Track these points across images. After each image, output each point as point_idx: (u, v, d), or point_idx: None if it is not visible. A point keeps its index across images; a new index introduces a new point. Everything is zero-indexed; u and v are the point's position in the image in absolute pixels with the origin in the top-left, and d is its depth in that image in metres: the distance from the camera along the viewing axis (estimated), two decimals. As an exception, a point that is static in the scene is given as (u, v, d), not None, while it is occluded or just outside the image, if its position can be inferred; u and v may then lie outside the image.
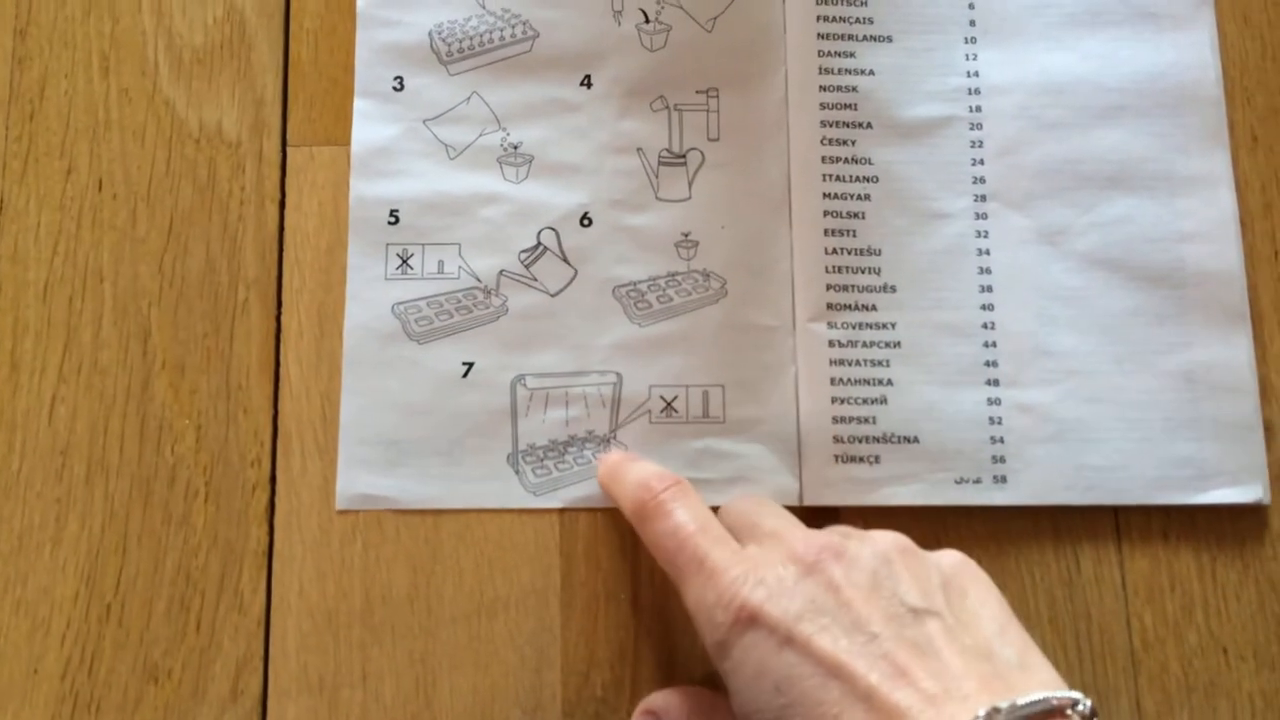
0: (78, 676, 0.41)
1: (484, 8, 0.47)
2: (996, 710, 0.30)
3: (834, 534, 0.36)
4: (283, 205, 0.45)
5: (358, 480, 0.43)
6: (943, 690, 0.31)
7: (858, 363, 0.45)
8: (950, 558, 0.36)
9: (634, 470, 0.41)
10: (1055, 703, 0.30)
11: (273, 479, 0.43)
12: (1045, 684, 0.32)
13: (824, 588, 0.34)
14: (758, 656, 0.33)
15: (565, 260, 0.46)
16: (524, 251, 0.46)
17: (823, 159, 0.46)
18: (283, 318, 0.44)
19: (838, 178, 0.46)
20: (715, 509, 0.40)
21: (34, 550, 0.42)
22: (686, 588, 0.36)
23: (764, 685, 0.33)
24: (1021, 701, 0.30)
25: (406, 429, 0.44)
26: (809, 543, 0.35)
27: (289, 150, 0.46)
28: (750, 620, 0.34)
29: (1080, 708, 0.31)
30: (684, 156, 0.47)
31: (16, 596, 0.42)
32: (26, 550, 0.42)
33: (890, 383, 0.45)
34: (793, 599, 0.34)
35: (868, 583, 0.34)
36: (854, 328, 0.45)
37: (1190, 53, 0.47)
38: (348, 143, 0.46)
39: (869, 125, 0.47)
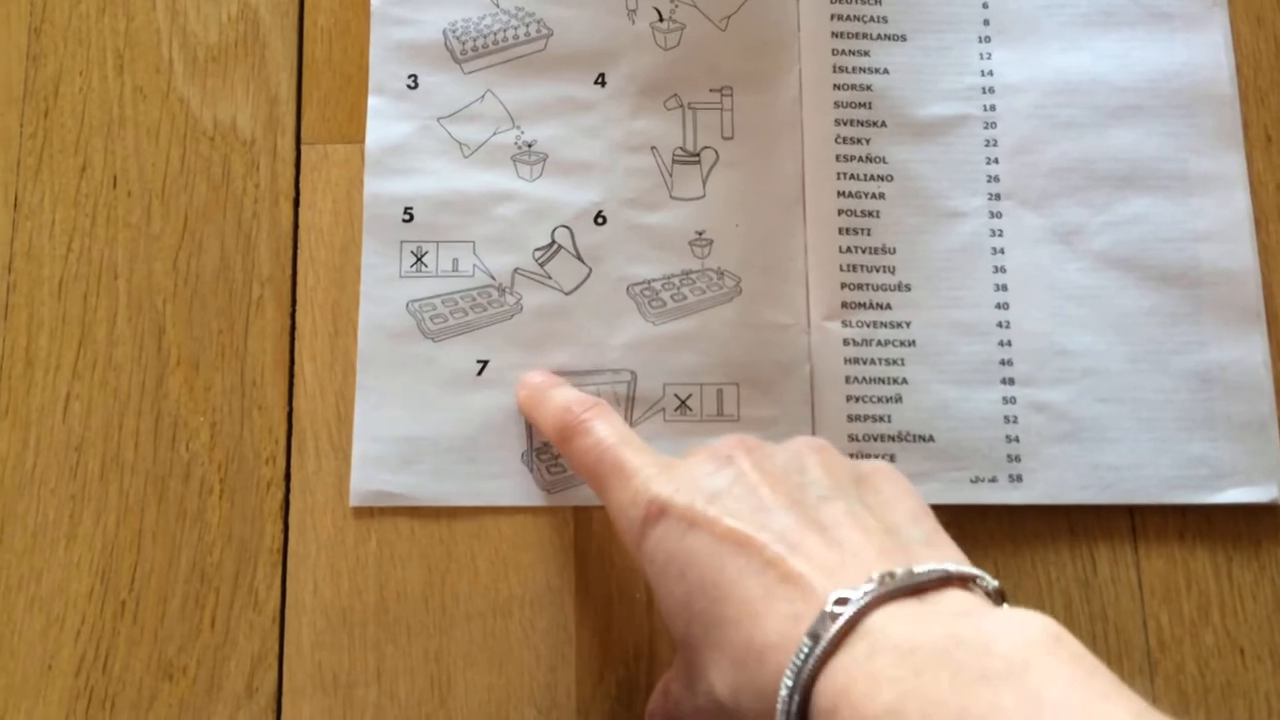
0: (92, 673, 0.41)
1: (498, 6, 0.47)
2: (891, 575, 0.29)
3: (753, 437, 0.36)
4: (297, 203, 0.45)
5: (372, 477, 0.43)
6: (839, 560, 0.30)
7: (872, 361, 0.44)
8: (872, 463, 0.36)
9: (555, 395, 0.42)
10: (954, 571, 0.29)
11: (287, 476, 0.43)
12: (949, 559, 0.31)
13: (733, 477, 0.33)
14: (666, 546, 0.33)
15: (579, 258, 0.45)
16: (538, 250, 0.45)
17: (837, 157, 0.46)
18: (297, 315, 0.44)
19: (852, 176, 0.46)
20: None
21: (48, 546, 0.42)
22: (608, 495, 0.37)
23: (670, 572, 0.33)
24: (919, 569, 0.29)
25: (421, 427, 0.44)
26: (725, 441, 0.35)
27: (303, 148, 0.46)
28: (660, 512, 0.34)
29: (983, 583, 0.30)
30: (698, 155, 0.46)
31: (31, 593, 0.41)
32: (41, 546, 0.42)
33: (905, 381, 0.44)
34: (701, 489, 0.33)
35: (777, 472, 0.34)
36: (869, 326, 0.45)
37: (1204, 53, 0.47)
38: (362, 140, 0.46)
39: (883, 124, 0.46)
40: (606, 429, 0.38)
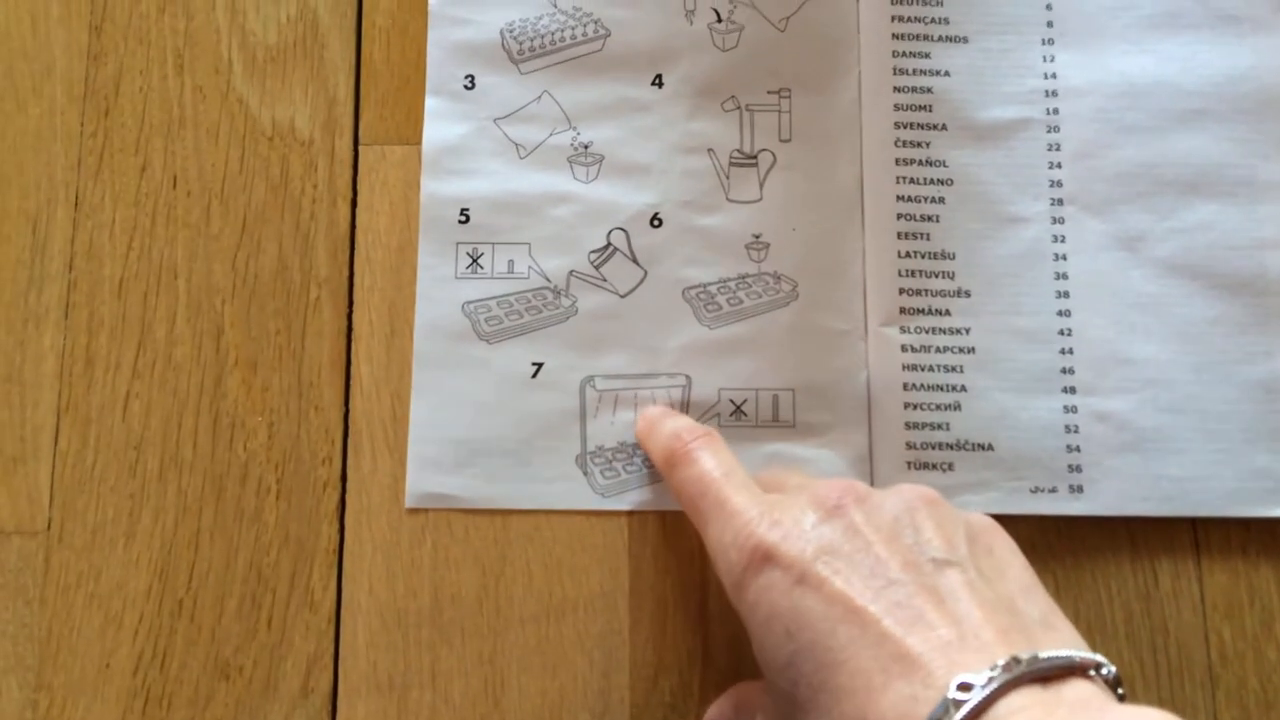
0: (150, 671, 0.41)
1: (555, 6, 0.46)
2: (1016, 660, 0.28)
3: (859, 483, 0.35)
4: (354, 204, 0.45)
5: (427, 479, 0.43)
6: (959, 638, 0.29)
7: (931, 368, 0.43)
8: (979, 518, 0.34)
9: (668, 423, 0.40)
10: (1078, 660, 0.28)
11: (343, 477, 0.42)
12: (1069, 643, 0.30)
13: (843, 530, 0.32)
14: (770, 598, 0.32)
15: (635, 261, 0.45)
16: (594, 252, 0.45)
17: (896, 161, 0.45)
18: (354, 316, 0.44)
19: (911, 180, 0.45)
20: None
21: (107, 545, 0.42)
22: (707, 531, 0.35)
23: (775, 629, 0.31)
24: (1043, 654, 0.28)
25: (476, 428, 0.43)
26: (831, 487, 0.34)
27: (361, 149, 0.45)
28: (764, 559, 0.32)
29: (1104, 671, 0.29)
30: (755, 157, 0.46)
31: (90, 590, 0.41)
32: (100, 545, 0.42)
33: (964, 389, 0.43)
34: (809, 540, 0.32)
35: (889, 528, 0.32)
36: (927, 332, 0.44)
37: (1271, 56, 0.46)
38: (419, 142, 0.45)
39: (944, 127, 0.45)
40: (712, 461, 0.37)
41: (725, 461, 0.37)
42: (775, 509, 0.34)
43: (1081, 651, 0.29)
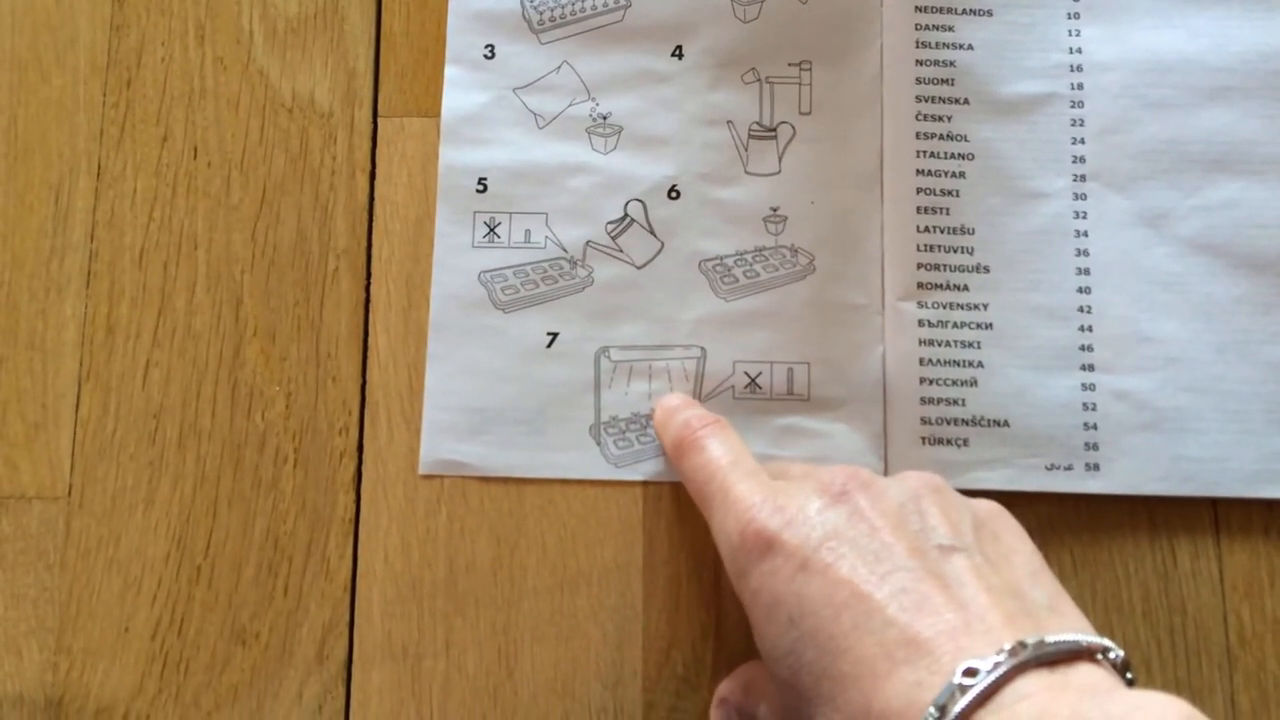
0: (167, 636, 0.40)
1: (576, -22, 0.45)
2: (1022, 645, 0.27)
3: (864, 469, 0.33)
4: (373, 176, 0.44)
5: (440, 446, 0.42)
6: (964, 623, 0.28)
7: (948, 344, 0.42)
8: (985, 503, 0.33)
9: (681, 413, 0.40)
10: (1085, 644, 0.27)
11: (360, 447, 0.42)
12: (1075, 627, 0.29)
13: (848, 515, 0.31)
14: (773, 585, 0.31)
15: (652, 232, 0.44)
16: (611, 223, 0.44)
17: (917, 135, 0.43)
18: (372, 287, 0.43)
19: (932, 154, 0.43)
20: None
21: (127, 511, 0.41)
22: (712, 517, 0.35)
23: (778, 615, 0.30)
24: (1049, 639, 0.27)
25: (490, 397, 0.42)
26: (836, 473, 0.33)
27: (380, 121, 0.44)
28: (767, 546, 0.31)
29: (1112, 655, 0.28)
30: (774, 130, 0.44)
31: (109, 555, 0.41)
32: (120, 511, 0.41)
33: (981, 365, 0.42)
34: (814, 526, 0.31)
35: (895, 514, 0.31)
36: (945, 308, 0.42)
37: (1303, 32, 0.44)
38: (438, 114, 0.44)
39: (966, 101, 0.44)
40: (720, 448, 0.36)
41: (733, 449, 0.36)
42: (779, 495, 0.33)
43: (1088, 636, 0.28)
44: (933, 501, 0.32)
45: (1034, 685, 0.26)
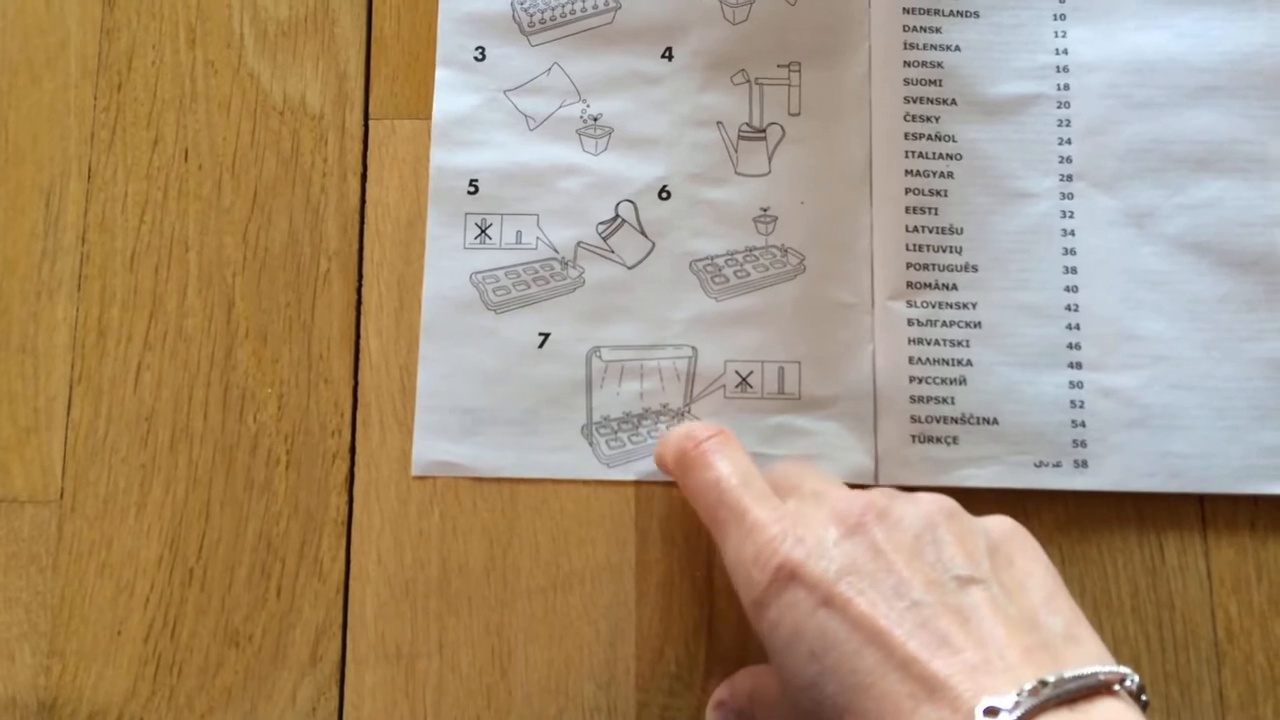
0: (160, 639, 0.40)
1: (565, -20, 0.45)
2: (1043, 683, 0.27)
3: (879, 495, 0.33)
4: (364, 178, 0.43)
5: (433, 447, 0.41)
6: (984, 660, 0.28)
7: (937, 342, 0.42)
8: (999, 524, 0.33)
9: (680, 426, 0.39)
10: (1103, 677, 0.28)
11: (352, 449, 0.41)
12: (1093, 657, 0.29)
13: (866, 549, 0.31)
14: (794, 617, 0.31)
15: (643, 233, 0.43)
16: (602, 223, 0.43)
17: (905, 135, 0.43)
18: (363, 289, 0.42)
19: (920, 155, 0.43)
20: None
21: (119, 514, 0.41)
22: (725, 542, 0.34)
23: (799, 649, 0.30)
24: (1068, 674, 0.27)
25: (482, 398, 0.42)
26: (852, 502, 0.32)
27: (371, 123, 0.44)
28: (789, 578, 0.31)
29: (1128, 683, 0.28)
30: (764, 131, 0.44)
31: (102, 559, 0.40)
32: (112, 514, 0.41)
33: (970, 363, 0.42)
34: (833, 559, 0.31)
35: (911, 546, 0.31)
36: (934, 307, 0.42)
37: (1286, 31, 0.44)
38: (429, 117, 0.44)
39: (953, 102, 0.43)
40: (728, 466, 0.35)
41: (742, 467, 0.36)
42: (799, 525, 0.32)
43: (1106, 666, 0.28)
44: (948, 530, 0.32)
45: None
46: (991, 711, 0.26)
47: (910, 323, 0.42)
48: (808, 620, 0.30)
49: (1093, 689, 0.27)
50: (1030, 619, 0.30)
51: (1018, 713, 0.26)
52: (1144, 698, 0.29)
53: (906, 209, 0.43)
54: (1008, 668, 0.28)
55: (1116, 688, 0.28)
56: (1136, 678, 0.28)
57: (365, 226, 0.43)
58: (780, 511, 0.33)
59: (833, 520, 0.32)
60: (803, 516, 0.33)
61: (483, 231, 0.43)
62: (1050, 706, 0.27)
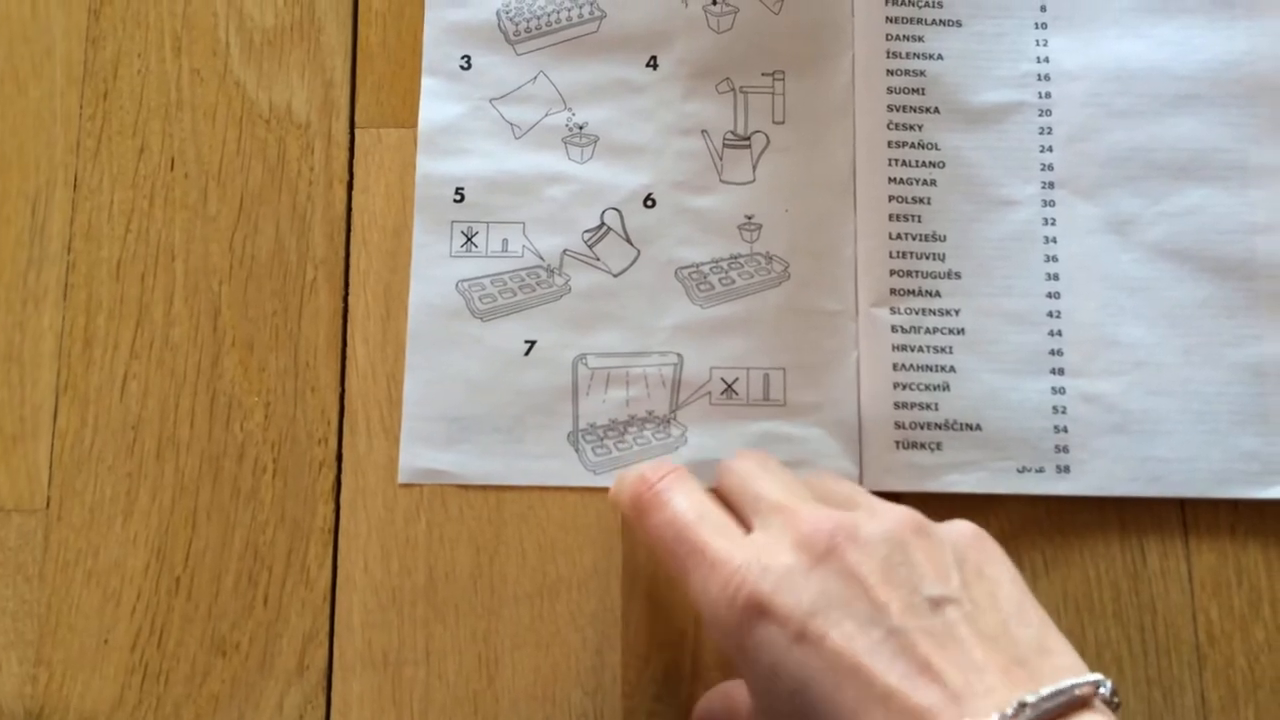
0: (147, 648, 0.40)
1: (551, -11, 0.45)
2: (1023, 705, 0.27)
3: (843, 515, 0.32)
4: (350, 186, 0.43)
5: (419, 454, 0.41)
6: (965, 684, 0.28)
7: (920, 349, 0.42)
8: (962, 533, 0.32)
9: (633, 469, 0.37)
10: (1079, 692, 0.28)
11: (339, 457, 0.41)
12: (1066, 669, 0.29)
13: (836, 575, 0.30)
14: (770, 654, 0.30)
15: (628, 241, 0.43)
16: (587, 231, 0.43)
17: (889, 143, 0.43)
18: (350, 298, 0.42)
19: (904, 163, 0.43)
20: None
21: (105, 523, 0.40)
22: (689, 580, 0.33)
23: (779, 686, 0.30)
24: (1046, 692, 0.27)
25: (468, 405, 0.42)
26: (817, 526, 0.31)
27: (357, 132, 0.44)
28: (759, 612, 0.30)
29: (1103, 690, 0.28)
30: (749, 139, 0.44)
31: (88, 568, 0.40)
32: (98, 523, 0.40)
33: (953, 369, 0.42)
34: (803, 590, 0.30)
35: (882, 568, 0.30)
36: (917, 314, 0.42)
37: (1265, 41, 0.44)
38: (415, 125, 0.43)
39: (936, 110, 0.43)
40: (684, 502, 0.34)
41: (697, 502, 0.34)
42: (762, 554, 0.31)
43: (1082, 676, 0.28)
44: (918, 547, 0.31)
45: None
46: None
47: (894, 329, 0.42)
48: (785, 656, 0.30)
49: (1070, 704, 0.27)
50: (1004, 633, 0.29)
51: None
52: (1116, 700, 0.29)
53: (890, 216, 0.43)
54: (988, 690, 0.28)
55: (1095, 701, 0.28)
56: (1109, 683, 0.28)
57: (351, 235, 0.43)
58: (742, 542, 0.32)
59: (799, 546, 0.31)
60: (766, 545, 0.32)
61: (469, 240, 0.43)
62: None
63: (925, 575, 0.30)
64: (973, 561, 0.31)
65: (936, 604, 0.30)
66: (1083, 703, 0.28)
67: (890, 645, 0.29)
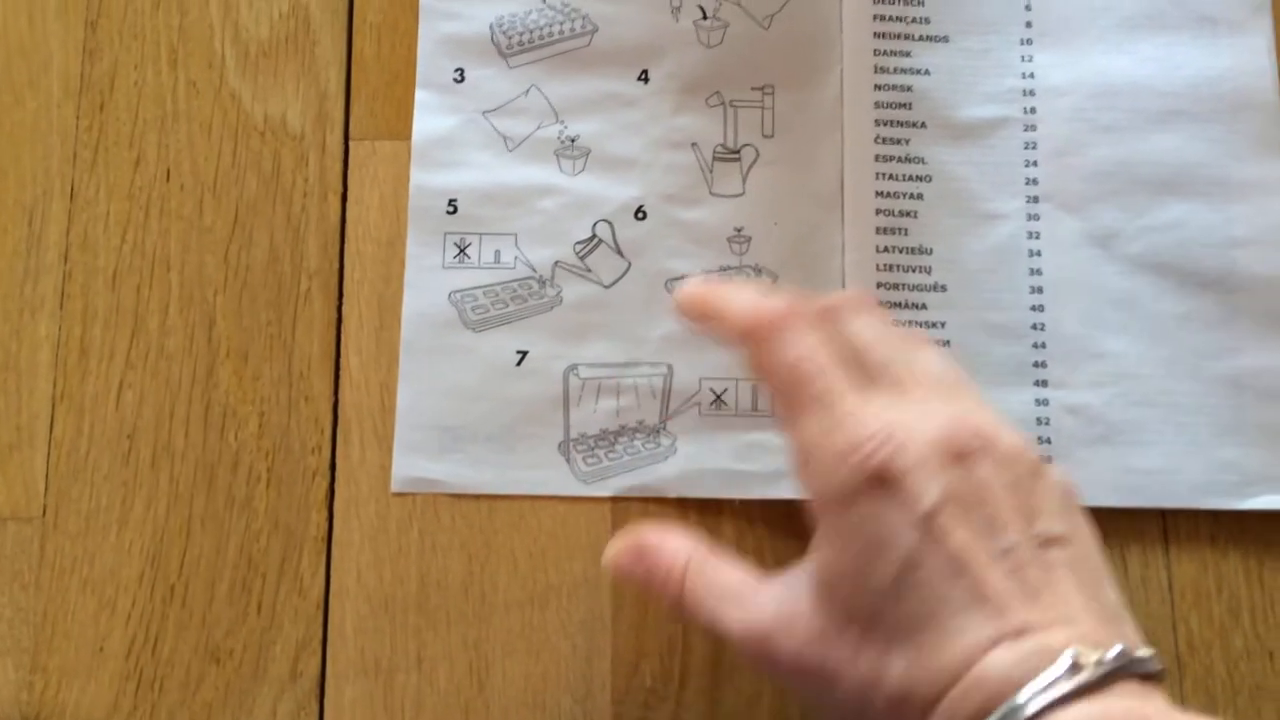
0: (142, 655, 0.40)
1: (544, 2, 0.45)
2: (1122, 653, 0.27)
3: (983, 420, 0.31)
4: (344, 198, 0.44)
5: (412, 464, 0.42)
6: (1066, 617, 0.28)
7: (907, 361, 0.42)
8: (1068, 486, 0.32)
9: (744, 287, 0.35)
10: (1158, 666, 0.28)
11: (332, 466, 0.41)
12: (1142, 640, 0.29)
13: (968, 480, 0.29)
14: (881, 527, 0.29)
15: (619, 252, 0.44)
16: (579, 243, 0.44)
17: (876, 158, 0.44)
18: (344, 308, 0.43)
19: (891, 176, 0.44)
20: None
21: (100, 532, 0.41)
22: (804, 421, 0.31)
23: (888, 556, 0.29)
24: (1140, 654, 0.27)
25: (460, 415, 0.42)
26: (963, 424, 0.30)
27: (351, 144, 0.44)
28: (884, 486, 0.29)
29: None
30: (738, 152, 0.44)
31: (84, 576, 0.40)
32: (94, 531, 0.41)
33: (939, 381, 0.42)
34: (935, 481, 0.29)
35: (1009, 490, 0.29)
36: (904, 325, 0.43)
37: (1247, 58, 0.44)
38: (409, 137, 0.44)
39: (923, 125, 0.44)
40: (812, 341, 0.32)
41: (831, 348, 0.32)
42: (899, 429, 0.30)
43: (1153, 653, 0.28)
44: (1040, 479, 0.30)
45: (1128, 697, 0.27)
46: (1075, 667, 0.26)
47: (881, 341, 0.43)
48: (898, 536, 0.29)
49: (1150, 676, 0.28)
50: (1097, 591, 0.29)
51: (1101, 671, 0.26)
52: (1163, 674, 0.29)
53: (877, 229, 0.43)
54: (1086, 633, 0.28)
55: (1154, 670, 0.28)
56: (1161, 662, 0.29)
57: (345, 246, 0.43)
58: (882, 408, 0.31)
59: (942, 438, 0.30)
60: (906, 423, 0.30)
61: (462, 251, 0.43)
62: (1121, 678, 0.27)
63: (1043, 511, 0.30)
64: (1079, 516, 0.31)
65: (1050, 540, 0.29)
66: (1158, 677, 0.28)
67: (1006, 561, 0.28)
